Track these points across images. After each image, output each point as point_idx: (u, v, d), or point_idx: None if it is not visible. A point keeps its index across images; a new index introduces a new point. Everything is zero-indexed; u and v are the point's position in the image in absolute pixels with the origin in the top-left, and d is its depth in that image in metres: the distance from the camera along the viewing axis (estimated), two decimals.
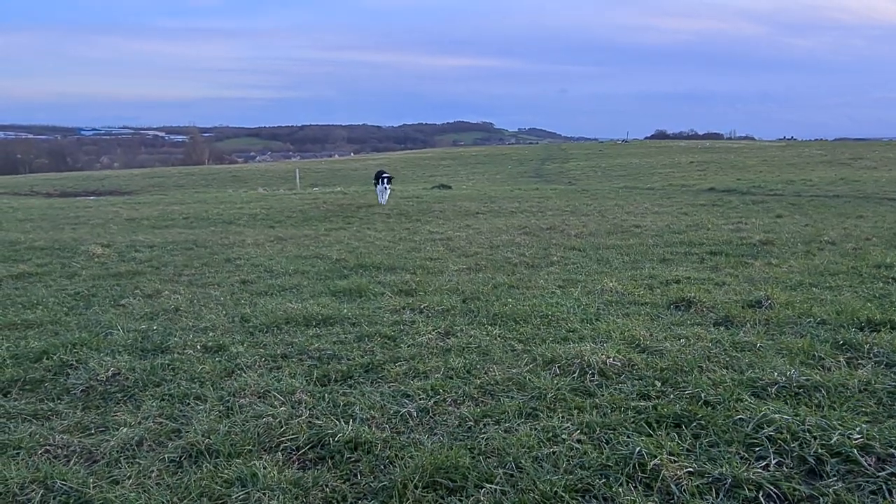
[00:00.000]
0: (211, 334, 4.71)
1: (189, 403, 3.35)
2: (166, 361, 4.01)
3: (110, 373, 3.77)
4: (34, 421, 3.23)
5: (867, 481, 2.26)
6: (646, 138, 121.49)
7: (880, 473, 2.28)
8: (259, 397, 3.38)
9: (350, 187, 34.31)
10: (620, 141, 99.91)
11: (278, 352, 4.17)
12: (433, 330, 4.49)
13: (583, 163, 56.18)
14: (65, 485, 2.49)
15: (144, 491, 2.42)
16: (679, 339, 4.03)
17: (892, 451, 2.37)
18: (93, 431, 3.09)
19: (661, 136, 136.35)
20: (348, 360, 3.95)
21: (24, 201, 27.75)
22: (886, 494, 2.18)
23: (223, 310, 5.60)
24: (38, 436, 3.01)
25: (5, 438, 2.95)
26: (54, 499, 2.42)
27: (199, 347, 4.37)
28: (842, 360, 3.46)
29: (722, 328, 4.37)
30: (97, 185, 45.63)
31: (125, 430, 3.02)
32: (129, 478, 2.55)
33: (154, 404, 3.34)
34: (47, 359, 4.17)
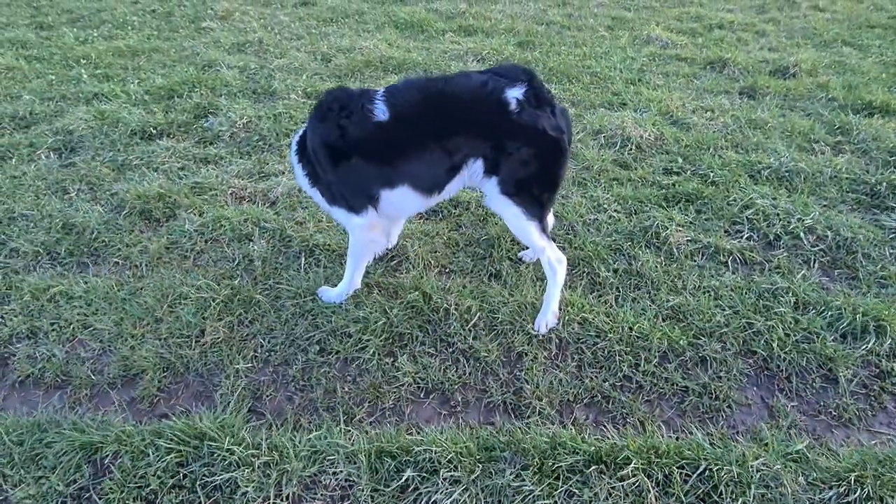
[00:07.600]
0: (304, 77, 5.50)
1: None
2: (282, 110, 4.92)
3: (244, 120, 4.73)
4: (208, 165, 4.32)
5: (802, 253, 3.43)
6: None
7: (813, 249, 3.44)
8: None
9: None
10: None
11: None
12: None
13: None
14: (267, 224, 3.70)
15: (322, 231, 3.64)
16: (706, 112, 4.85)
17: (828, 233, 3.48)
18: (257, 177, 4.21)
19: None
20: None
21: None
22: (811, 263, 3.37)
23: (302, 44, 6.22)
24: (220, 179, 4.14)
25: (201, 180, 4.08)
26: (264, 233, 3.65)
27: (300, 92, 5.22)
28: (829, 145, 4.36)
29: (745, 98, 5.12)
30: None
31: (282, 178, 4.13)
32: (307, 218, 3.75)
33: None
34: (177, 97, 5.09)
